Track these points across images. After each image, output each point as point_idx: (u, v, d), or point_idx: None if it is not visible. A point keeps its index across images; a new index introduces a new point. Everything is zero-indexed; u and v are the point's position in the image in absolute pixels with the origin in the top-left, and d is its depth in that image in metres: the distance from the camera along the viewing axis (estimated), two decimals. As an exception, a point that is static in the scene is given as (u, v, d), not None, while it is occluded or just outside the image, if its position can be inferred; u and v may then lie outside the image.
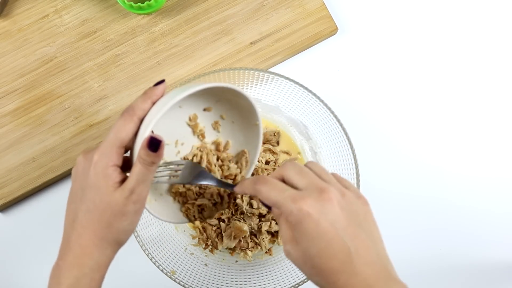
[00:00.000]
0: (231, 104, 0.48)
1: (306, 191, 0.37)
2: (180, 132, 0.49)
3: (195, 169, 0.47)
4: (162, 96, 0.42)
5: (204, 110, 0.49)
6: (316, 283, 0.39)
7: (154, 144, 0.39)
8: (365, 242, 0.37)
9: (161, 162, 0.46)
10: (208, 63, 0.70)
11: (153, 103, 0.41)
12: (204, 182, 0.46)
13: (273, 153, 0.66)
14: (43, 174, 0.67)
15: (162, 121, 0.40)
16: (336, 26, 0.71)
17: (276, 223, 0.63)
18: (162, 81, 0.43)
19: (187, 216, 0.50)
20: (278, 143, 0.68)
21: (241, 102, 0.46)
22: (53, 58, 0.69)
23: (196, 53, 0.70)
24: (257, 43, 0.70)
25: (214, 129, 0.51)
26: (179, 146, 0.49)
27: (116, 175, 0.40)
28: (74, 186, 0.43)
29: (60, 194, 0.69)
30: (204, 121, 0.50)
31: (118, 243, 0.43)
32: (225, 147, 0.51)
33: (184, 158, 0.50)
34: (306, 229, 0.36)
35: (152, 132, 0.41)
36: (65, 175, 0.68)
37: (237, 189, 0.43)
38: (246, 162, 0.50)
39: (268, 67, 0.71)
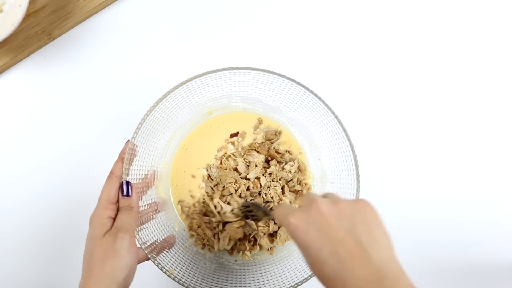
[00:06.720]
0: None
1: (299, 207, 0.39)
2: None
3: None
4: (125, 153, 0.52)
5: None
6: None
7: (125, 188, 0.51)
8: (356, 246, 0.36)
9: None
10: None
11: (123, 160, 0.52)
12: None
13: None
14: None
15: None
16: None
17: (275, 223, 0.64)
18: (127, 142, 0.54)
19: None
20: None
21: None
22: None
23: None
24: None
25: None
26: None
27: (110, 224, 0.49)
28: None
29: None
30: None
31: (117, 283, 0.46)
32: None
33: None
34: (297, 241, 0.37)
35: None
36: (9, 65, 0.70)
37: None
38: None
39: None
